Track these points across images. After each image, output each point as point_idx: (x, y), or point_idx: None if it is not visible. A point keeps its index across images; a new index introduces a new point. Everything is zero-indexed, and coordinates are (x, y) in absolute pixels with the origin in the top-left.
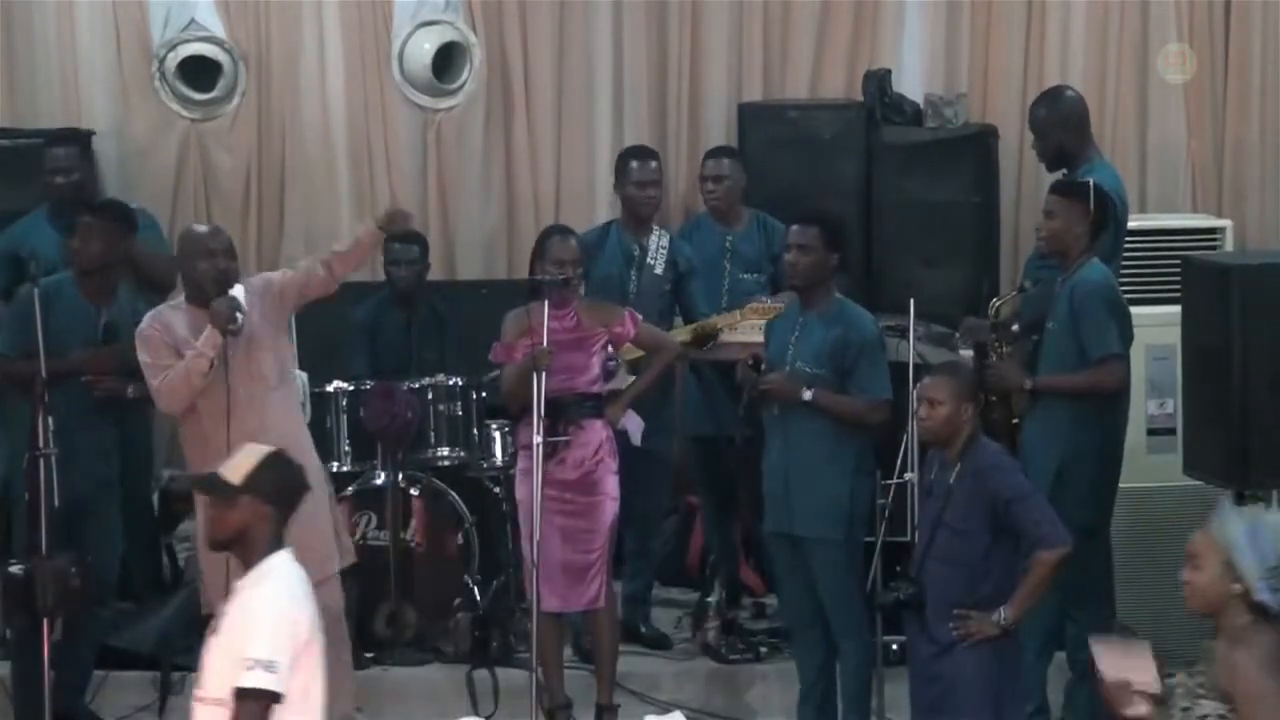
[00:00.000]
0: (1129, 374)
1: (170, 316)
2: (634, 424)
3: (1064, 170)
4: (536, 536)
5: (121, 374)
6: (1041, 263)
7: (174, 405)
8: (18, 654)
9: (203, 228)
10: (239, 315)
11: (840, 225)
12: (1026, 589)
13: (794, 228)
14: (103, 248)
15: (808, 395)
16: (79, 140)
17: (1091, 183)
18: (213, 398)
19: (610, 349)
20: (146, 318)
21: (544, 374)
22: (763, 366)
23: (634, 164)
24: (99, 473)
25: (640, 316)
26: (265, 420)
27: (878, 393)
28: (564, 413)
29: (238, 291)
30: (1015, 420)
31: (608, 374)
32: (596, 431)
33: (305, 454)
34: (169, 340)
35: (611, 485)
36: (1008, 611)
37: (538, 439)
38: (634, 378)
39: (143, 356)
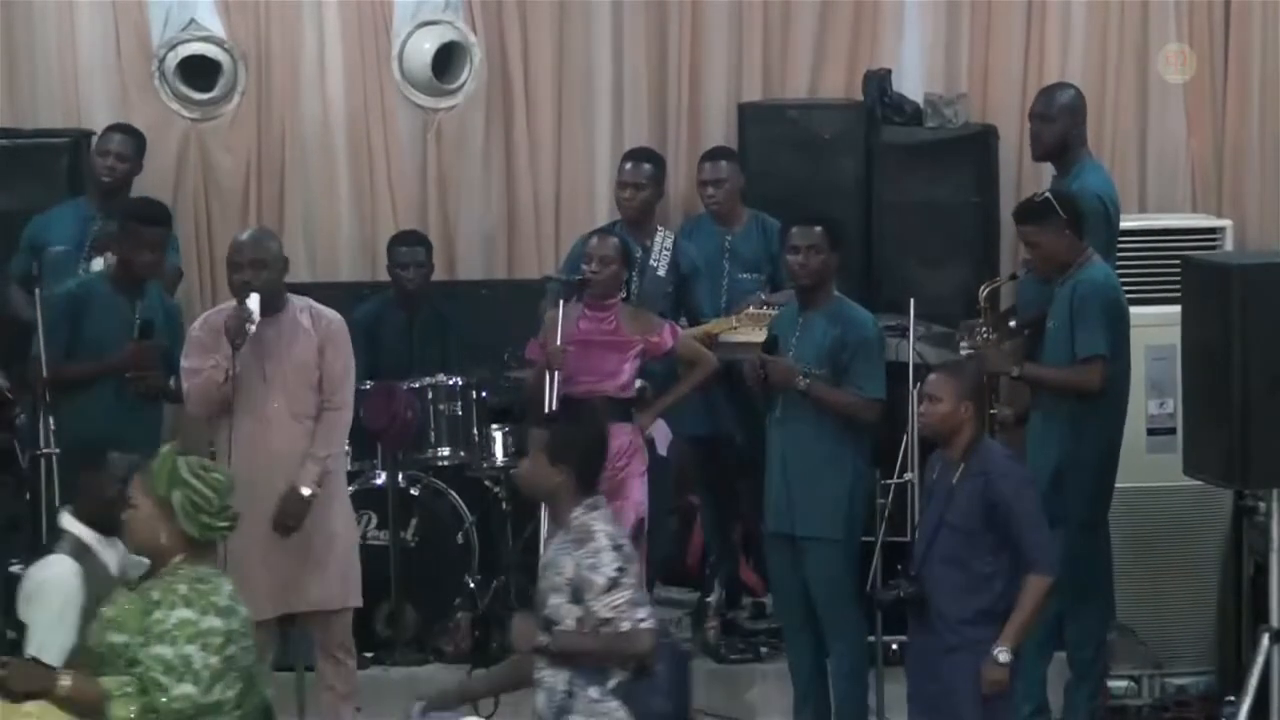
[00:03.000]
0: (1126, 376)
1: (218, 320)
2: (661, 434)
3: (1054, 173)
4: (544, 535)
5: (162, 369)
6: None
7: (199, 411)
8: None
9: (243, 235)
10: (249, 326)
11: (839, 223)
12: (1018, 617)
13: (797, 229)
14: (154, 256)
15: (802, 384)
16: (139, 138)
17: (1049, 194)
18: (239, 409)
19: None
20: (199, 319)
21: (558, 373)
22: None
23: (626, 165)
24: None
25: (681, 330)
26: (283, 445)
27: (871, 392)
28: None
29: (253, 302)
30: (992, 411)
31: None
32: (623, 436)
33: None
34: (213, 344)
35: (636, 490)
36: (1004, 642)
37: None
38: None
39: (183, 360)
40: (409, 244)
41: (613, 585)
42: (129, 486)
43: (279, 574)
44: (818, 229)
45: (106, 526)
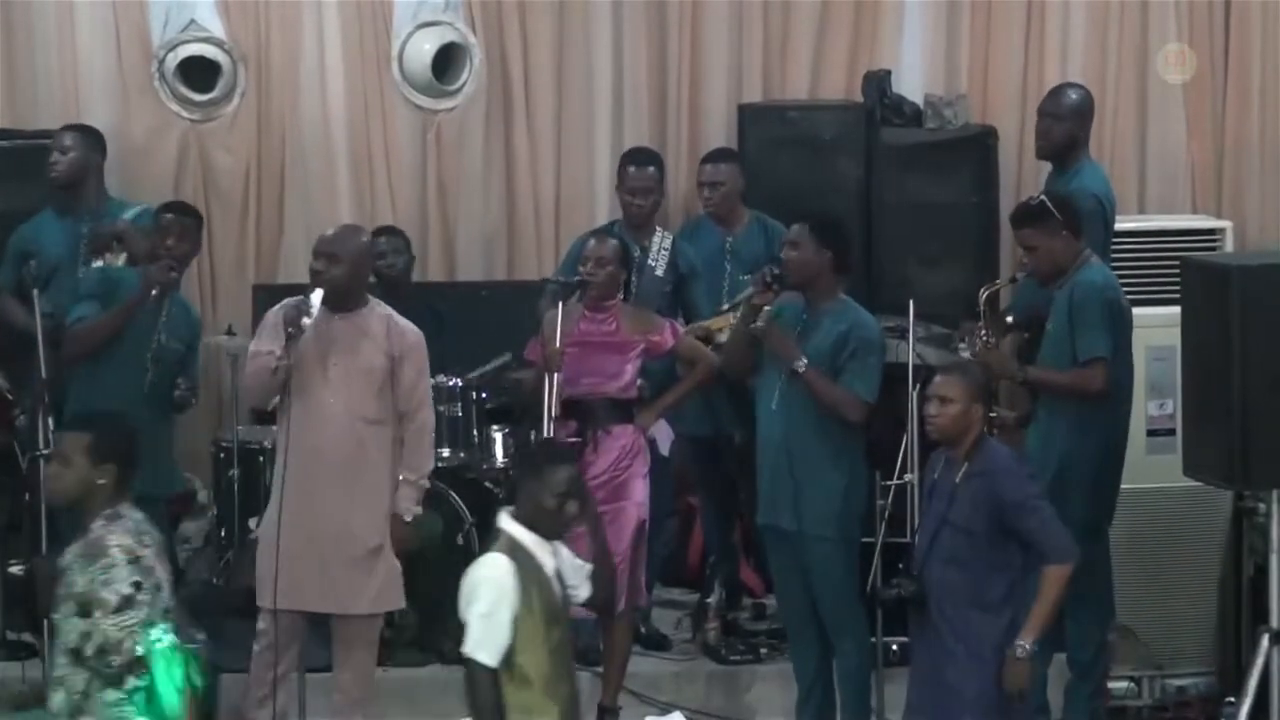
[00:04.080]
0: (1129, 377)
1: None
2: (664, 434)
3: (1050, 171)
4: None
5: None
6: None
7: (252, 399)
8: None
9: (331, 229)
10: (305, 319)
11: (831, 223)
12: (1040, 609)
13: (793, 227)
14: (190, 248)
15: (800, 365)
16: (90, 131)
17: (1044, 197)
18: (296, 402)
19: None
20: (277, 305)
21: (555, 375)
22: (772, 278)
23: (631, 169)
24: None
25: (681, 329)
26: (336, 443)
27: (860, 392)
28: (592, 417)
29: (315, 296)
30: (992, 414)
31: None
32: (624, 436)
33: (370, 493)
34: (281, 332)
35: (638, 490)
36: (1026, 636)
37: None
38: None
39: (252, 344)
40: (387, 234)
41: (126, 603)
42: (570, 498)
43: (316, 568)
44: (801, 227)
45: (544, 531)
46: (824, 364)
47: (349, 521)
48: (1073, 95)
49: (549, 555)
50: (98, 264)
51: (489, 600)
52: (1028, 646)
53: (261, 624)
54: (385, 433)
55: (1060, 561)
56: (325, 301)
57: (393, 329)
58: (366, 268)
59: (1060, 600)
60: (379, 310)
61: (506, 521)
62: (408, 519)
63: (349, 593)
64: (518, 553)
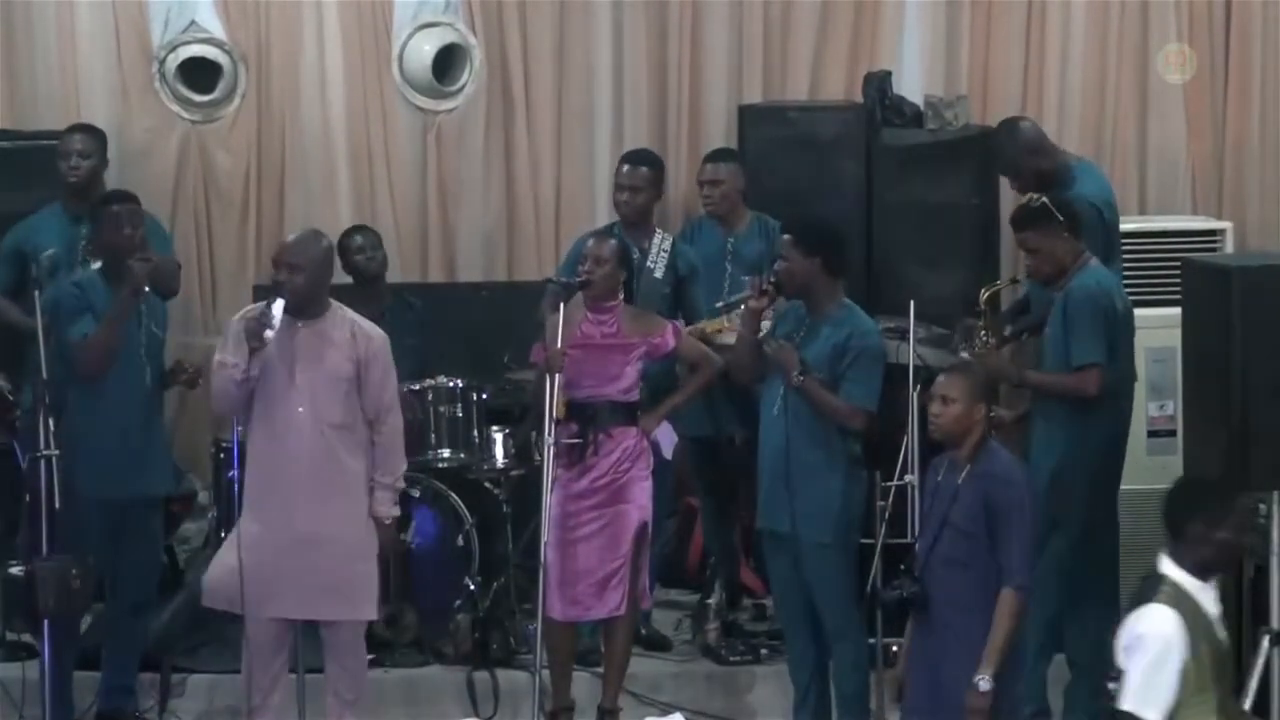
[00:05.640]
0: (1128, 378)
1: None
2: (666, 437)
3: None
4: (545, 538)
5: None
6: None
7: (218, 407)
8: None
9: (291, 235)
10: (268, 331)
11: (815, 228)
12: (997, 638)
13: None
14: (135, 231)
15: (796, 380)
16: (97, 133)
17: (1044, 199)
18: (263, 410)
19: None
20: (240, 313)
21: (558, 376)
22: (769, 285)
23: (624, 168)
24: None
25: (684, 329)
26: (304, 450)
27: (860, 400)
28: (594, 420)
29: (276, 306)
30: (990, 414)
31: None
32: (625, 438)
33: (343, 498)
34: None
35: (639, 493)
36: (985, 668)
37: (549, 439)
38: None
39: (218, 353)
40: (361, 232)
41: None
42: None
43: (292, 577)
44: (786, 237)
45: (1219, 569)
46: (824, 371)
47: (323, 528)
48: (1007, 147)
49: (1213, 602)
50: (97, 265)
51: (1155, 653)
52: (988, 680)
53: (249, 631)
54: (354, 437)
55: (1016, 585)
56: (288, 310)
57: (358, 333)
58: (328, 274)
59: (1014, 626)
60: (341, 315)
61: (1169, 567)
62: (386, 522)
63: (330, 599)
64: (1183, 602)
